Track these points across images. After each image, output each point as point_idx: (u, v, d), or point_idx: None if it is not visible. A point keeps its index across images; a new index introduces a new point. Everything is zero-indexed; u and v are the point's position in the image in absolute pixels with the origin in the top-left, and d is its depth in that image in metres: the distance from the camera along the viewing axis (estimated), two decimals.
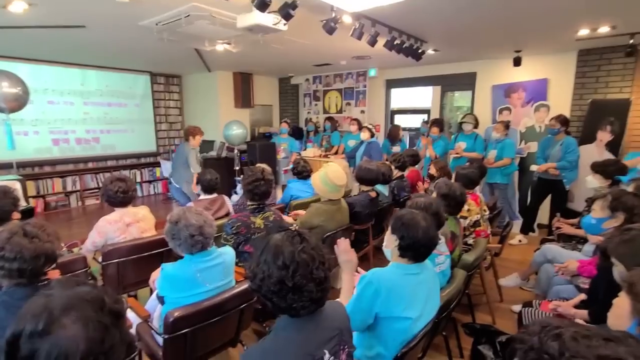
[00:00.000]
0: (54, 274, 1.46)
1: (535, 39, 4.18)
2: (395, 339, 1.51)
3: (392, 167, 4.09)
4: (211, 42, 4.05)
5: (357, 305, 1.53)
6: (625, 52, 4.01)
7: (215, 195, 3.25)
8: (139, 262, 2.52)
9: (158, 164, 7.33)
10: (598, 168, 3.23)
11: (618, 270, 1.60)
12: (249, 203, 2.54)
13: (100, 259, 2.49)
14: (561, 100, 4.86)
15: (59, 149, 6.16)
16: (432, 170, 4.06)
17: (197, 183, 3.27)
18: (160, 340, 1.74)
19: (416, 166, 4.52)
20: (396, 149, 5.66)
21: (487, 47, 4.68)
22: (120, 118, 6.79)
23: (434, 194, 2.66)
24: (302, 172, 3.85)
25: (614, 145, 4.29)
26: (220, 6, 2.95)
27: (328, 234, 2.73)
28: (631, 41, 3.89)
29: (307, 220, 2.79)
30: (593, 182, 3.22)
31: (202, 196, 3.23)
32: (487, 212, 3.30)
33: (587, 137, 4.48)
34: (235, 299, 1.84)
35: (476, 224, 2.98)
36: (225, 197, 3.34)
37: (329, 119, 6.83)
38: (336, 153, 6.42)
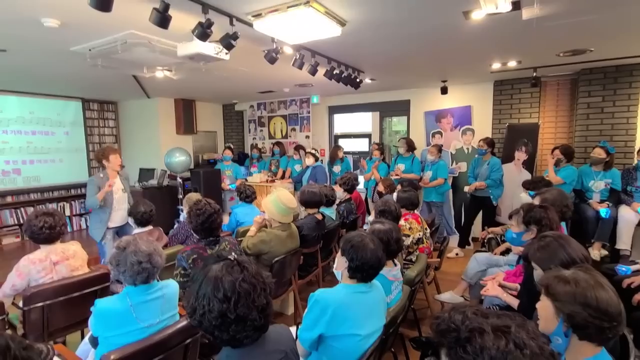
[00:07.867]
0: None
1: (458, 70, 4.67)
2: (344, 358, 1.54)
3: (341, 190, 4.25)
4: (150, 69, 3.96)
5: (305, 322, 1.58)
6: (530, 83, 4.64)
7: (150, 227, 3.11)
8: (68, 303, 2.30)
9: None
10: (529, 185, 3.62)
11: (537, 274, 1.80)
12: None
13: (21, 304, 2.22)
14: (483, 124, 5.42)
15: None
16: (380, 188, 4.26)
17: (129, 215, 3.13)
18: None
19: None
20: (337, 168, 5.85)
21: (418, 77, 5.12)
22: (47, 147, 6.23)
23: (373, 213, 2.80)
24: (249, 195, 3.87)
25: (529, 164, 4.87)
26: (160, 34, 2.92)
27: (277, 258, 2.72)
28: (534, 74, 4.54)
29: (257, 245, 2.77)
30: (526, 197, 3.57)
31: (137, 230, 3.06)
32: (428, 230, 3.51)
33: (506, 157, 5.02)
34: (178, 335, 1.75)
35: (419, 241, 3.15)
36: (161, 229, 3.20)
37: (278, 144, 6.90)
38: (283, 177, 6.46)
